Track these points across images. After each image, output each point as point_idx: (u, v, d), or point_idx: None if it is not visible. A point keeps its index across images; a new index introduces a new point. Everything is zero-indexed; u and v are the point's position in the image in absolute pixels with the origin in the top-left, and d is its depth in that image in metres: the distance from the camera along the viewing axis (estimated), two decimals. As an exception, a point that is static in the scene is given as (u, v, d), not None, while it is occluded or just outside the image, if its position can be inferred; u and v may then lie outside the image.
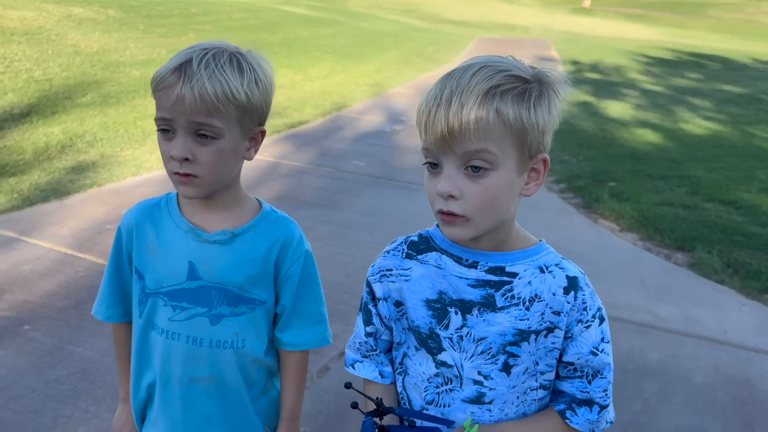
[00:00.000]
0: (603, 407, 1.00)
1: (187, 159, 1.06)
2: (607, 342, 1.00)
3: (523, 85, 0.87)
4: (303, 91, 8.82)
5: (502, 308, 0.96)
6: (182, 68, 1.04)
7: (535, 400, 1.03)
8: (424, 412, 1.02)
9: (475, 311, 0.97)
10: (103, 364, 2.53)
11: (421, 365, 1.02)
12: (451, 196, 0.88)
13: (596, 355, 0.98)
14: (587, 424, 1.00)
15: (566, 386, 1.02)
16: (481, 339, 0.97)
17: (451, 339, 0.98)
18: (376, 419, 0.90)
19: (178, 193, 1.19)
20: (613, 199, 4.99)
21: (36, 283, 3.20)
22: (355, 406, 0.92)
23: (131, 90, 7.14)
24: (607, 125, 8.03)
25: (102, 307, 1.28)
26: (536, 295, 0.96)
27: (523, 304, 0.96)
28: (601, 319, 0.99)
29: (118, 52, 8.74)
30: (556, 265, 0.99)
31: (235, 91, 1.05)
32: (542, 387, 1.02)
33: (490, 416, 0.99)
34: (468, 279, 0.97)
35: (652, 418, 2.44)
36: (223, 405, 1.20)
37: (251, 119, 1.12)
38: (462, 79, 0.86)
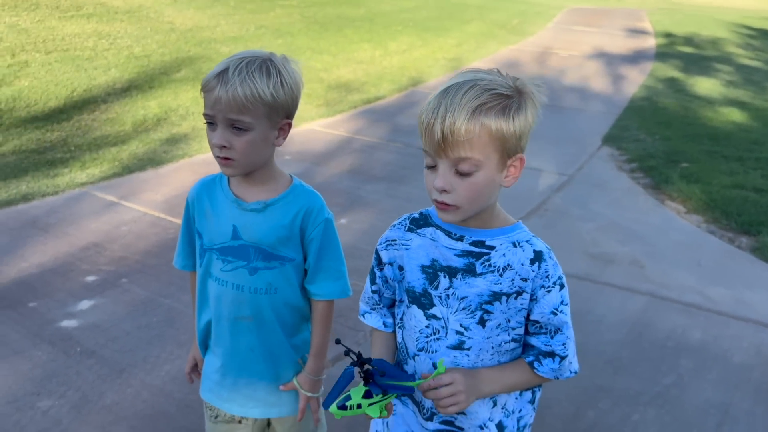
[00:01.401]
0: (563, 357, 1.22)
1: (224, 146, 1.33)
2: (566, 305, 1.21)
3: (504, 101, 1.09)
4: (381, 66, 9.03)
5: (481, 274, 1.19)
6: (221, 75, 1.31)
7: (508, 351, 1.25)
8: (401, 369, 1.29)
9: (459, 276, 1.20)
10: (186, 314, 2.92)
11: (414, 319, 1.25)
12: (444, 190, 1.11)
13: (556, 314, 1.20)
14: (551, 372, 1.23)
15: (533, 341, 1.24)
16: (463, 298, 1.20)
17: (440, 297, 1.22)
18: (357, 368, 1.15)
19: None
20: (683, 180, 4.94)
21: (132, 242, 3.64)
22: (338, 341, 1.18)
23: (220, 66, 7.60)
24: (691, 103, 7.78)
25: (179, 259, 1.61)
26: (508, 265, 1.19)
27: (498, 271, 1.19)
28: (561, 286, 1.20)
29: (210, 29, 9.26)
30: (527, 241, 1.20)
31: (261, 92, 1.31)
32: (513, 340, 1.24)
33: (468, 360, 1.23)
34: (455, 250, 1.21)
35: (683, 392, 2.56)
36: (262, 339, 1.50)
37: (278, 114, 1.38)
38: (455, 97, 1.08)
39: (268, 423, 1.64)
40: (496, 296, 1.19)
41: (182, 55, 7.83)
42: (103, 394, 2.40)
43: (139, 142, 5.43)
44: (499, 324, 1.22)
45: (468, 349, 1.22)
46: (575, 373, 1.25)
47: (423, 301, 1.24)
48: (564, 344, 1.22)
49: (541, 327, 1.22)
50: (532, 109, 1.12)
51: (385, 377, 1.16)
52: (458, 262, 1.20)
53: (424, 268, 1.24)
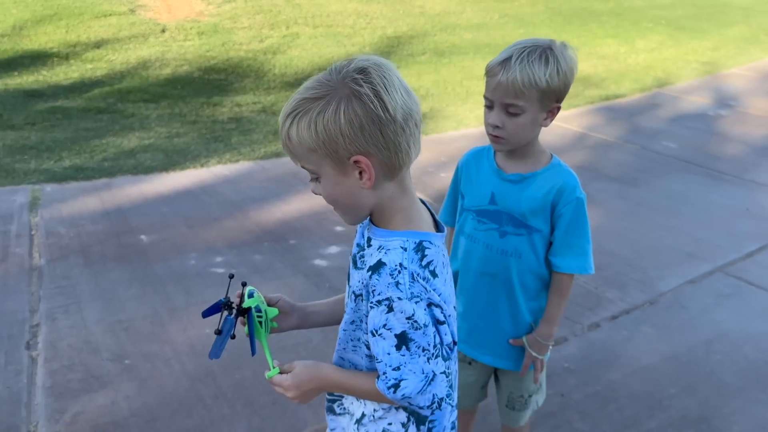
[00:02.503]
0: (389, 387, 1.07)
1: (498, 126, 1.51)
2: (389, 329, 1.04)
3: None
4: (625, 63, 8.65)
5: (359, 268, 1.14)
6: (504, 63, 1.47)
7: (367, 355, 1.15)
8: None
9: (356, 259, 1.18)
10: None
11: None
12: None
13: (374, 336, 1.06)
14: (384, 391, 1.09)
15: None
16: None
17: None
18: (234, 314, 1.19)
19: None
20: None
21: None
22: (231, 276, 1.23)
23: (462, 52, 7.90)
24: None
25: (443, 214, 1.84)
26: (367, 265, 1.09)
27: (363, 268, 1.11)
28: (388, 308, 1.04)
29: (456, 14, 9.61)
30: (380, 248, 1.09)
31: (537, 80, 1.45)
32: (367, 346, 1.14)
33: (337, 344, 1.21)
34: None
35: None
36: (502, 296, 1.67)
37: (549, 99, 1.51)
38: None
39: (495, 372, 1.81)
40: (353, 295, 1.14)
41: (428, 38, 8.27)
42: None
43: (383, 115, 5.92)
44: (353, 321, 1.17)
45: (343, 330, 1.20)
46: (420, 407, 1.10)
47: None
48: (391, 369, 1.06)
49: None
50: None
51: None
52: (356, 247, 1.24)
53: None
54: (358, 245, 1.18)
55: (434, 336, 1.07)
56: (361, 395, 1.18)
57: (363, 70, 1.01)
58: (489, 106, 1.53)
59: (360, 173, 1.04)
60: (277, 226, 3.66)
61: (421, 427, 1.18)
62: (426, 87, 6.72)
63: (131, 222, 3.58)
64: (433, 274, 1.08)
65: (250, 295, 1.21)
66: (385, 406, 1.18)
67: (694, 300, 3.12)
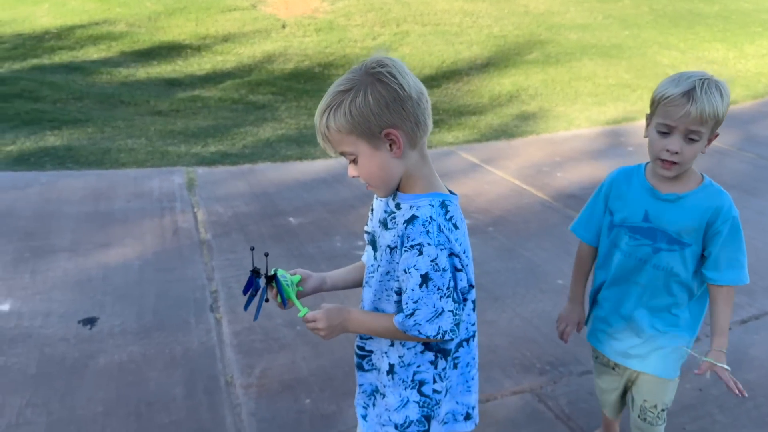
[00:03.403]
0: (407, 315, 1.29)
1: (677, 152, 1.63)
2: (417, 269, 1.27)
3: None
4: (735, 69, 8.44)
5: (389, 228, 1.35)
6: (689, 94, 1.59)
7: (396, 302, 1.36)
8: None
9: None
10: (544, 268, 3.39)
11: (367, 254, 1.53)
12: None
13: (406, 273, 1.28)
14: (399, 324, 1.32)
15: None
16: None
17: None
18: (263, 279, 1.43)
19: (645, 165, 1.82)
20: None
21: (494, 199, 4.25)
22: (252, 248, 1.49)
23: (569, 52, 7.93)
24: None
25: (579, 227, 1.93)
26: (400, 222, 1.31)
27: (396, 226, 1.32)
28: (419, 252, 1.26)
29: (560, 14, 9.62)
30: (411, 207, 1.31)
31: (718, 110, 1.59)
32: (396, 293, 1.35)
33: (367, 294, 1.43)
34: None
35: None
36: (649, 305, 1.81)
37: (717, 126, 1.65)
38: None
39: (633, 381, 1.90)
40: (387, 248, 1.35)
41: (534, 38, 8.34)
42: (484, 312, 2.99)
43: (494, 115, 6.09)
44: (387, 272, 1.36)
45: (370, 286, 1.42)
46: (427, 336, 1.30)
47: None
48: (412, 302, 1.29)
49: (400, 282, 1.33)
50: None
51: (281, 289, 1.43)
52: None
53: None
54: (385, 211, 1.38)
55: (449, 280, 1.28)
56: (381, 332, 1.39)
57: (379, 61, 1.24)
58: (665, 133, 1.64)
59: (390, 145, 1.26)
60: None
61: (448, 359, 1.42)
62: (535, 86, 6.83)
63: (278, 205, 3.93)
64: (455, 226, 1.32)
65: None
66: (411, 350, 1.39)
67: (825, 310, 3.16)
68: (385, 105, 1.22)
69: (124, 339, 2.60)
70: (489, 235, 3.77)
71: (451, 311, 1.29)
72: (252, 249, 1.48)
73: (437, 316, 1.28)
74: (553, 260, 3.48)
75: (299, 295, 1.47)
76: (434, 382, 1.40)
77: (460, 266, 1.31)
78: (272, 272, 1.42)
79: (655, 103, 1.66)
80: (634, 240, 1.77)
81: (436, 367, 1.39)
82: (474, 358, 1.51)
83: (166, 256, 3.27)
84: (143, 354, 2.51)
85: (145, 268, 3.14)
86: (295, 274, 1.50)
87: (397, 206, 1.34)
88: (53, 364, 2.42)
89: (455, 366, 1.45)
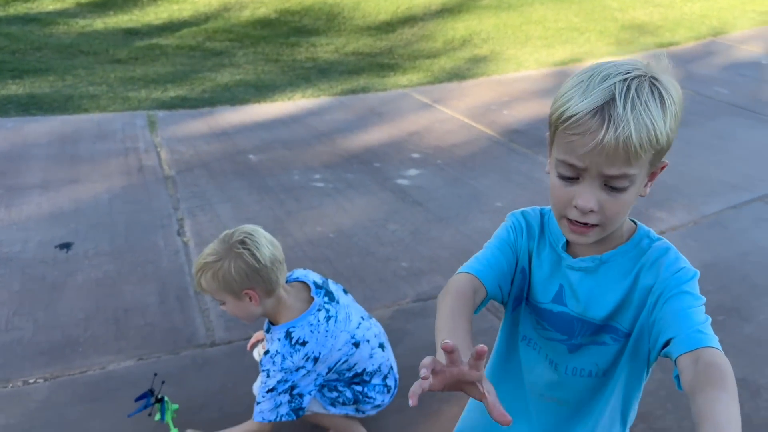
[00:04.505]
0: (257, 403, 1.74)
1: (592, 211, 0.98)
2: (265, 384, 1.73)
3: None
4: (681, 12, 8.76)
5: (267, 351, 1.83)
6: (604, 110, 0.91)
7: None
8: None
9: None
10: (486, 195, 3.70)
11: None
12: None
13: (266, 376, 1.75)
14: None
15: None
16: None
17: None
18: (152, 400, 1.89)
19: None
20: None
21: (444, 136, 4.53)
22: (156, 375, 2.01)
23: (521, -3, 8.14)
24: None
25: (477, 267, 1.15)
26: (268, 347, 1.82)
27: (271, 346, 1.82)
28: (267, 374, 1.73)
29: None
30: (272, 338, 1.78)
31: (658, 133, 0.93)
32: None
33: None
34: None
35: None
36: (578, 428, 1.26)
37: (661, 156, 1.00)
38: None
39: None
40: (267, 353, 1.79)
41: (488, -16, 8.50)
42: (430, 230, 3.30)
43: (447, 58, 6.32)
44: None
45: None
46: (268, 420, 1.71)
47: None
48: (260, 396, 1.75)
49: None
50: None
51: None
52: None
53: None
54: (266, 331, 1.84)
55: (288, 389, 1.73)
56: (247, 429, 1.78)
57: (242, 241, 1.64)
58: (571, 178, 0.98)
59: (250, 298, 1.69)
60: (361, 152, 4.18)
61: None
62: (487, 31, 7.05)
63: (238, 144, 4.14)
64: (303, 343, 1.69)
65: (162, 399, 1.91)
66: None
67: (735, 222, 3.55)
68: (245, 274, 1.65)
69: (99, 260, 2.84)
70: (438, 167, 4.06)
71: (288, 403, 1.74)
72: (155, 375, 1.99)
73: (276, 408, 1.72)
74: (494, 186, 3.79)
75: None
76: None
77: (305, 372, 1.71)
78: (161, 396, 1.87)
79: (552, 126, 1.00)
80: (542, 329, 1.20)
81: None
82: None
83: (133, 190, 3.48)
84: (117, 272, 2.76)
85: (114, 201, 3.35)
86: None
87: (268, 330, 1.81)
88: (35, 282, 2.66)
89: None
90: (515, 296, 1.21)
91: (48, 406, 2.04)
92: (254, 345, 2.10)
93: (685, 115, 3.80)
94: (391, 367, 1.93)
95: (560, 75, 6.03)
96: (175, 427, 1.82)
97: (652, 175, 1.03)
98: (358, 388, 1.85)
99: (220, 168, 3.80)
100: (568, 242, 1.14)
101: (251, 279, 1.65)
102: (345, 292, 1.96)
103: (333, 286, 1.89)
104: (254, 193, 3.53)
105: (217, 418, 1.99)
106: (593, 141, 0.91)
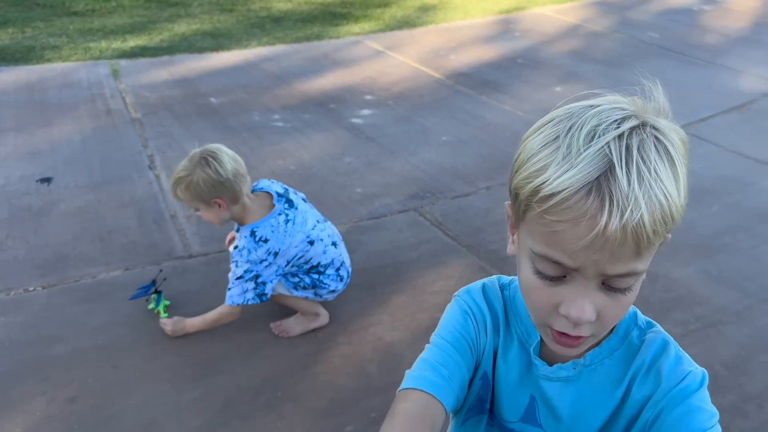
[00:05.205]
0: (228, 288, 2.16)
1: (590, 321, 0.70)
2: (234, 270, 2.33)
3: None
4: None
5: (235, 246, 2.49)
6: (599, 184, 0.61)
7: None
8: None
9: None
10: (434, 131, 4.05)
11: None
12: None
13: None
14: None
15: None
16: None
17: None
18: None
19: None
20: None
21: (395, 80, 4.83)
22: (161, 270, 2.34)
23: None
24: None
25: (430, 378, 0.81)
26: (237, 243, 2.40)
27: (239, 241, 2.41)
28: (236, 264, 2.40)
29: None
30: (240, 235, 2.49)
31: (674, 210, 0.63)
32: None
33: None
34: None
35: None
36: None
37: (670, 230, 0.68)
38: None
39: None
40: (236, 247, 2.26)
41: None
42: (382, 162, 3.64)
43: (397, 7, 6.57)
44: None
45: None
46: (237, 303, 2.15)
47: None
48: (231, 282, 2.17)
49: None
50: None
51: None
52: None
53: None
54: (236, 229, 2.26)
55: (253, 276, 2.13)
56: (213, 317, 2.20)
57: (204, 157, 2.00)
58: (554, 278, 0.69)
59: (219, 206, 2.06)
60: (317, 95, 4.46)
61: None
62: (435, -19, 7.29)
63: (199, 88, 4.38)
64: (265, 240, 2.06)
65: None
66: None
67: (652, 148, 3.97)
68: (211, 186, 2.01)
69: (79, 191, 3.10)
70: (389, 107, 4.37)
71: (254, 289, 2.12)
72: (161, 270, 2.49)
73: (244, 293, 2.12)
74: (440, 123, 4.14)
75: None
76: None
77: (267, 264, 2.09)
78: (159, 290, 2.32)
79: (521, 201, 0.68)
80: None
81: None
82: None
83: (104, 131, 3.71)
84: (98, 200, 3.03)
85: (87, 141, 3.59)
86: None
87: (237, 230, 2.22)
88: (22, 211, 2.91)
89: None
90: (470, 407, 0.90)
91: (48, 308, 2.34)
92: (231, 242, 2.45)
93: (618, 58, 4.20)
94: (343, 262, 2.30)
95: (504, 22, 6.37)
96: (165, 313, 2.16)
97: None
98: (315, 276, 2.22)
99: (184, 110, 4.04)
100: (541, 339, 0.83)
101: (218, 189, 2.01)
102: (304, 200, 2.29)
103: (293, 195, 2.22)
104: (218, 132, 3.80)
105: (198, 311, 2.32)
106: (591, 232, 0.61)
